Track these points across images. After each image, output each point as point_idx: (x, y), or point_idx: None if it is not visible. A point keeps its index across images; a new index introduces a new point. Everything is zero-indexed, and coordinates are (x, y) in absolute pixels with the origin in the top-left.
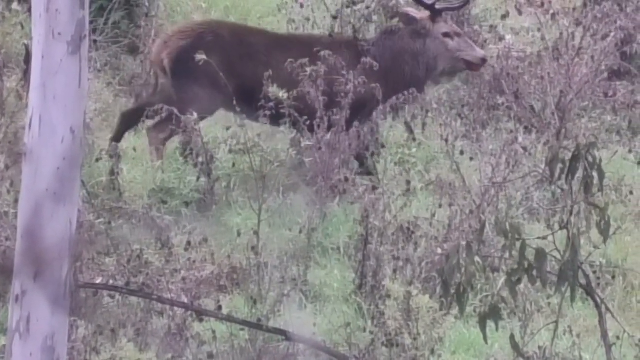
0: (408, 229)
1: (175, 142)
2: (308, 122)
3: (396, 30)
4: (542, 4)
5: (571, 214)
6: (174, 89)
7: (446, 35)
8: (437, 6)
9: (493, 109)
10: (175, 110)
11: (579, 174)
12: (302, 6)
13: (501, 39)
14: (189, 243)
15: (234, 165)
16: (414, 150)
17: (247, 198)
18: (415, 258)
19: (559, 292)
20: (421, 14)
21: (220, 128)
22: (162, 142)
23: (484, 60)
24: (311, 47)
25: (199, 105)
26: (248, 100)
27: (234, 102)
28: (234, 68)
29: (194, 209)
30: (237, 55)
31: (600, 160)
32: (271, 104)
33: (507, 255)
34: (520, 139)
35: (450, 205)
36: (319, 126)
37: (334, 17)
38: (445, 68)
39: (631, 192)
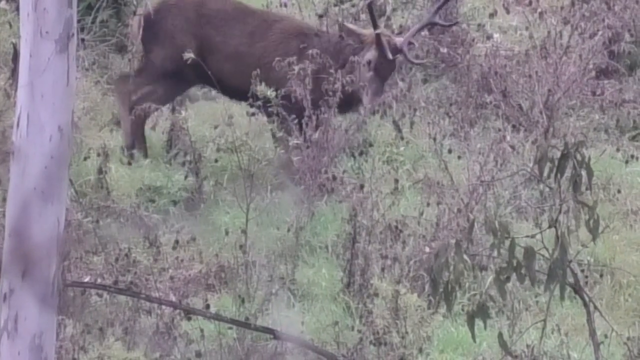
0: (396, 227)
1: (162, 140)
2: (296, 121)
3: (340, 37)
4: (530, 3)
5: (560, 212)
6: (143, 54)
7: (368, 63)
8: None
9: (481, 108)
10: (164, 108)
11: (568, 172)
12: (285, 5)
13: (489, 37)
14: (176, 242)
15: (216, 160)
16: (402, 148)
17: (235, 197)
18: (403, 257)
19: (547, 291)
20: (367, 32)
21: (207, 126)
22: (128, 95)
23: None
24: (266, 23)
25: (161, 67)
26: (206, 66)
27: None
28: (193, 30)
29: (181, 207)
30: (196, 17)
31: (589, 159)
32: (259, 102)
33: (495, 253)
34: (508, 138)
35: (438, 203)
36: (307, 124)
37: (320, 16)
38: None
39: (619, 191)
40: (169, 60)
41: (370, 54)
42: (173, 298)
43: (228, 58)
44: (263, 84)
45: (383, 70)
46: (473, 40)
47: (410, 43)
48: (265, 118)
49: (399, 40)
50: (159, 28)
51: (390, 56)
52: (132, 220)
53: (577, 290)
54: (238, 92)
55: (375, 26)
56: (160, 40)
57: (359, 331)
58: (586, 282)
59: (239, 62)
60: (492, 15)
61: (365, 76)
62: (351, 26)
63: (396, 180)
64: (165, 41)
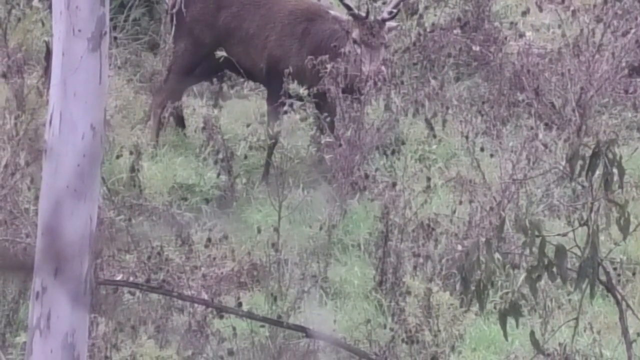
0: (428, 225)
1: (196, 139)
2: (328, 119)
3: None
4: (563, 1)
5: (591, 210)
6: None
7: (354, 41)
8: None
9: (513, 106)
10: (197, 106)
11: (599, 170)
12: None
13: (521, 35)
14: (209, 240)
15: (245, 157)
16: (434, 146)
17: (268, 195)
18: (436, 255)
19: (579, 289)
20: (346, 17)
21: (240, 125)
22: (159, 105)
23: (368, 75)
24: (278, 4)
25: (183, 56)
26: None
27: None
28: (211, 21)
29: (214, 205)
30: (216, 8)
31: (621, 157)
32: (291, 100)
33: (527, 251)
34: (540, 136)
35: (471, 202)
36: (339, 122)
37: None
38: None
39: None
40: (188, 53)
41: (355, 33)
42: (205, 296)
43: (240, 41)
44: (295, 82)
45: (370, 40)
46: (505, 38)
47: (390, 12)
48: (296, 116)
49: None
50: (182, 21)
51: (362, 14)
52: (164, 219)
53: (609, 288)
54: (251, 74)
55: (347, 8)
56: (182, 33)
57: (391, 329)
58: (618, 281)
59: (249, 45)
60: (524, 14)
61: (358, 52)
62: (334, 13)
63: (428, 179)
64: (185, 33)
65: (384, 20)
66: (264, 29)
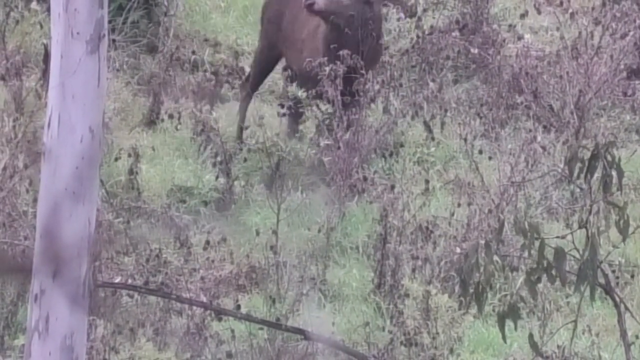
0: (427, 228)
1: (196, 143)
2: (327, 122)
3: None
4: (561, 3)
5: (590, 213)
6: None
7: None
8: None
9: (512, 108)
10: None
11: (598, 173)
12: None
13: (520, 38)
14: (207, 242)
15: (245, 159)
16: (432, 149)
17: (266, 197)
18: (434, 257)
19: (578, 292)
20: None
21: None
22: (245, 99)
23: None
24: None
25: (260, 55)
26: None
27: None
28: (279, 23)
29: (212, 208)
30: (283, 11)
31: (620, 159)
32: (290, 103)
33: (526, 254)
34: (539, 138)
35: (469, 204)
36: (337, 125)
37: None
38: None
39: None
40: (264, 55)
41: None
42: (204, 299)
43: (291, 44)
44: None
45: None
46: (504, 40)
47: None
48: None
49: None
50: (263, 21)
51: None
52: (162, 221)
53: (608, 291)
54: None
55: None
56: (262, 34)
57: (390, 332)
58: (617, 283)
59: (294, 48)
60: (523, 16)
61: None
62: None
63: (427, 181)
64: (263, 34)
65: None
66: (301, 31)
